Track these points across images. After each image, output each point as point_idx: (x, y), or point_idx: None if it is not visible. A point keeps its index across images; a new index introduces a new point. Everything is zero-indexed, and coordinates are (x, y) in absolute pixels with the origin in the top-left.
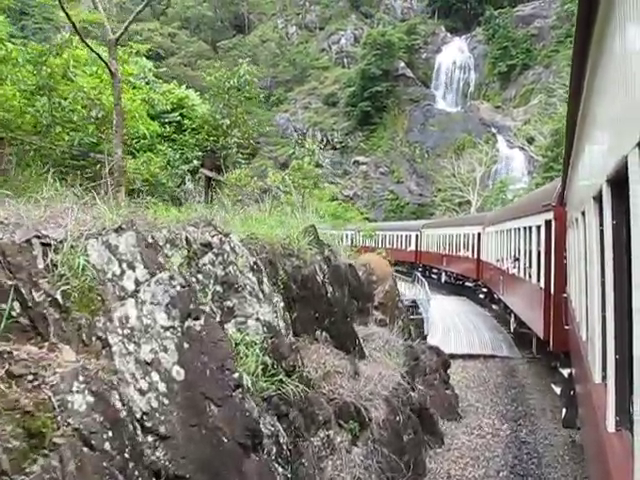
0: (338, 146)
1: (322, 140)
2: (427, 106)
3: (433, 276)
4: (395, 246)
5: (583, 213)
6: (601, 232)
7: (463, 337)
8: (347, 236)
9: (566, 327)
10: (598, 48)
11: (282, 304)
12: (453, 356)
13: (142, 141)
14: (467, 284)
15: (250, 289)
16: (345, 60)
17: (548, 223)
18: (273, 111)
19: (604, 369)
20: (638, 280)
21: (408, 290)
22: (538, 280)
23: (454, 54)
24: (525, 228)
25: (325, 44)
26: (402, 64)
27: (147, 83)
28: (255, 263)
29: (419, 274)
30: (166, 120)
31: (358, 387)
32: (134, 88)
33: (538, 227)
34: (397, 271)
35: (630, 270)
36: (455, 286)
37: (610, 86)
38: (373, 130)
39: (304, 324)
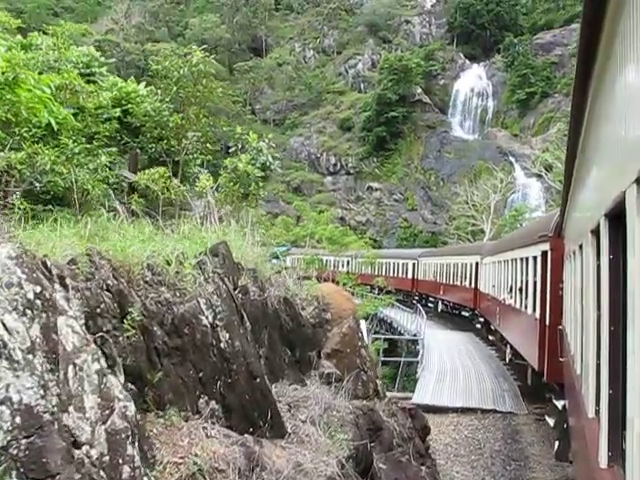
0: (352, 171)
1: (336, 165)
2: (443, 133)
3: (429, 305)
4: (392, 274)
5: (580, 246)
6: (598, 266)
7: (460, 383)
8: (344, 263)
9: (561, 359)
10: (598, 83)
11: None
12: (445, 410)
13: (34, 130)
14: (463, 313)
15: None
16: (361, 85)
17: (544, 254)
18: (287, 135)
19: (597, 403)
20: (632, 316)
21: (408, 322)
22: (534, 311)
23: (472, 81)
24: (522, 259)
25: (342, 68)
26: (419, 90)
27: (91, 75)
28: (41, 294)
29: (419, 306)
30: (104, 117)
31: None
32: (58, 73)
33: (535, 258)
34: (398, 300)
35: (625, 305)
36: (455, 318)
37: (609, 121)
38: (388, 156)
39: (176, 390)
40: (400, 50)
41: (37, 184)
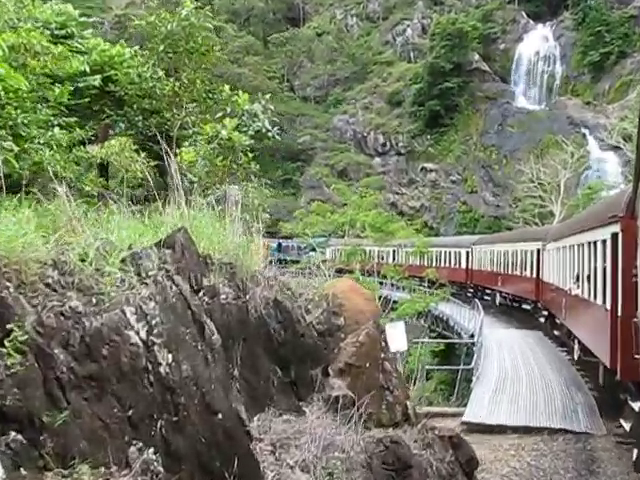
0: (403, 151)
1: (385, 144)
2: (505, 104)
3: (486, 297)
4: (444, 264)
5: None
6: None
7: (522, 395)
8: (389, 254)
9: (637, 356)
10: None
11: None
12: (503, 429)
13: None
14: (525, 306)
15: None
16: (411, 53)
17: (615, 237)
18: (330, 113)
19: None
20: None
21: (465, 319)
22: (604, 301)
23: (537, 43)
24: (589, 243)
25: (389, 36)
26: (476, 56)
27: (68, 36)
28: None
29: (477, 301)
30: (79, 84)
31: None
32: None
33: (604, 241)
34: (452, 294)
35: None
36: (516, 312)
37: None
38: (443, 133)
39: (91, 436)
40: (454, 12)
41: None
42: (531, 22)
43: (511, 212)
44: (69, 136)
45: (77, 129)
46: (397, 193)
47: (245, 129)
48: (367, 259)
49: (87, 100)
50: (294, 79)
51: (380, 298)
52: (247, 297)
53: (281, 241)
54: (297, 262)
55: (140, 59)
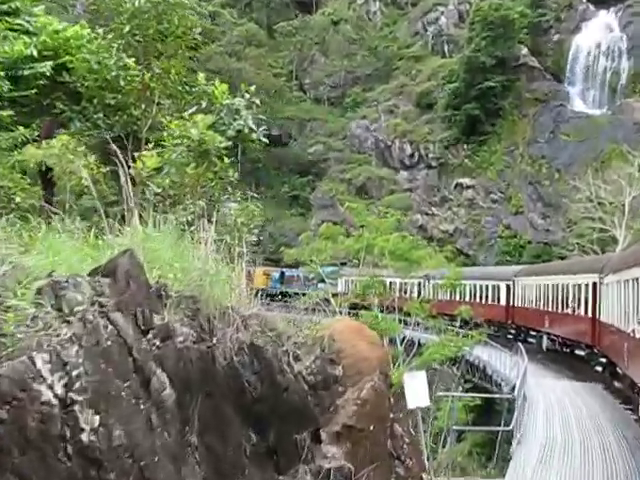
0: (434, 164)
1: (412, 156)
2: (559, 107)
3: (531, 340)
4: (479, 300)
5: None
6: None
7: (575, 466)
8: (414, 286)
9: None
10: None
11: None
12: None
13: None
14: (578, 352)
15: None
16: (445, 46)
17: None
18: (347, 117)
19: None
20: None
21: (504, 367)
22: None
23: (599, 34)
24: None
25: (419, 25)
26: (524, 50)
27: (11, 12)
28: None
29: (520, 345)
30: (24, 72)
31: None
32: None
33: None
34: (489, 336)
35: None
36: (567, 358)
37: None
38: (483, 142)
39: None
40: None
41: None
42: (591, 8)
43: (564, 238)
44: (10, 136)
45: (21, 128)
46: (426, 214)
47: (224, 128)
48: (387, 293)
49: (34, 92)
50: (304, 76)
51: (403, 340)
52: (214, 340)
53: (285, 270)
54: (304, 295)
55: (102, 42)
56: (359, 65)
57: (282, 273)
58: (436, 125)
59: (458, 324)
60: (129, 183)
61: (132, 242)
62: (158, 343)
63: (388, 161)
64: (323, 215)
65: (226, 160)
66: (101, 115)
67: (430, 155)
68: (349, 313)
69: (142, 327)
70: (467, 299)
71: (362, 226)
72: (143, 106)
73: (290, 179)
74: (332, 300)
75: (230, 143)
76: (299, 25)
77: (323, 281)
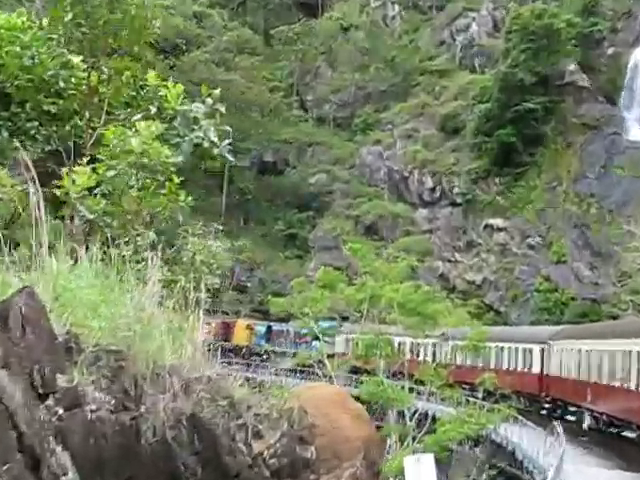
0: (460, 200)
1: (434, 190)
2: (612, 136)
3: (569, 417)
4: (507, 366)
5: None
6: None
7: None
8: (428, 348)
9: None
10: None
11: None
12: None
13: None
14: (628, 434)
15: None
16: (476, 60)
17: None
18: (356, 142)
19: None
20: None
21: (537, 451)
22: None
23: None
24: None
25: (445, 34)
26: (572, 65)
27: None
28: None
29: (557, 425)
30: None
31: None
32: None
33: None
34: (519, 411)
35: None
36: (615, 441)
37: None
38: (519, 175)
39: None
40: (540, 1)
41: None
42: None
43: (616, 293)
44: None
45: None
46: (449, 261)
47: (178, 140)
48: (395, 355)
49: None
50: (306, 92)
51: (415, 414)
52: (141, 409)
53: (272, 324)
54: (294, 355)
55: (39, 33)
56: (372, 80)
57: (269, 327)
58: (463, 154)
59: (480, 395)
60: (41, 204)
61: (42, 279)
62: (61, 412)
63: (404, 196)
64: (324, 258)
65: (177, 180)
66: (35, 124)
67: (455, 190)
68: (350, 378)
69: (40, 390)
70: (492, 365)
71: (366, 272)
72: (88, 115)
73: (286, 214)
74: (327, 362)
75: (180, 159)
76: (302, 31)
77: (318, 338)
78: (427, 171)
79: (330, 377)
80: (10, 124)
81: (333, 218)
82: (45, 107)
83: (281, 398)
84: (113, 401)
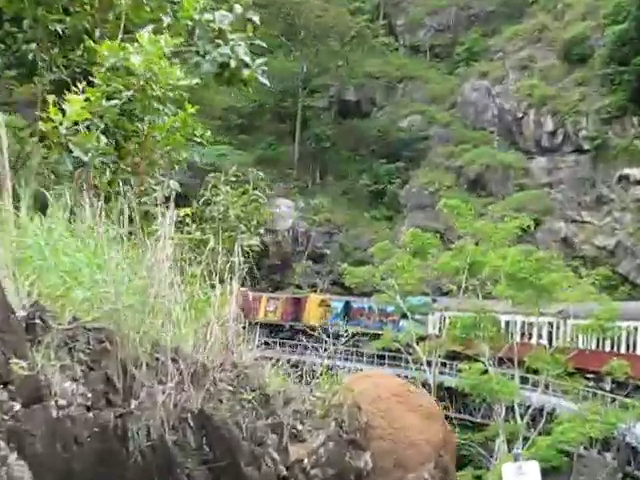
0: (587, 146)
1: (554, 134)
2: None
3: None
4: (633, 350)
5: None
6: None
7: None
8: (542, 328)
9: None
10: None
11: None
12: None
13: None
14: None
15: None
16: None
17: None
18: (457, 75)
19: None
20: None
21: None
22: None
23: None
24: None
25: None
26: None
27: None
28: None
29: None
30: None
31: None
32: None
33: None
34: None
35: None
36: None
37: None
38: None
39: None
40: None
41: None
42: None
43: None
44: None
45: None
46: (574, 221)
47: (198, 58)
48: (502, 337)
49: None
50: (396, 14)
51: (528, 410)
52: (132, 404)
53: (351, 300)
54: (377, 337)
55: None
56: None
57: (347, 303)
58: (592, 88)
59: (608, 387)
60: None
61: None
62: (17, 408)
63: (518, 141)
64: (418, 219)
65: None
66: (33, 46)
67: (582, 133)
68: (443, 364)
69: None
70: (623, 350)
71: (464, 235)
72: (101, 35)
73: (372, 166)
74: (417, 347)
75: (196, 82)
76: None
77: (405, 316)
78: (546, 110)
79: (421, 364)
80: (3, 46)
81: (430, 170)
82: (50, 27)
83: (329, 390)
84: (90, 394)
